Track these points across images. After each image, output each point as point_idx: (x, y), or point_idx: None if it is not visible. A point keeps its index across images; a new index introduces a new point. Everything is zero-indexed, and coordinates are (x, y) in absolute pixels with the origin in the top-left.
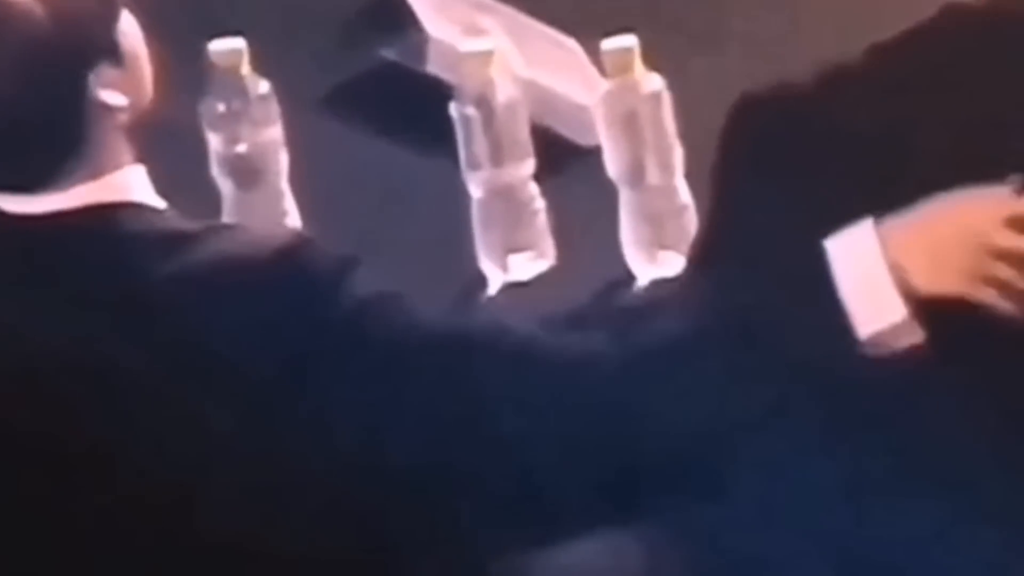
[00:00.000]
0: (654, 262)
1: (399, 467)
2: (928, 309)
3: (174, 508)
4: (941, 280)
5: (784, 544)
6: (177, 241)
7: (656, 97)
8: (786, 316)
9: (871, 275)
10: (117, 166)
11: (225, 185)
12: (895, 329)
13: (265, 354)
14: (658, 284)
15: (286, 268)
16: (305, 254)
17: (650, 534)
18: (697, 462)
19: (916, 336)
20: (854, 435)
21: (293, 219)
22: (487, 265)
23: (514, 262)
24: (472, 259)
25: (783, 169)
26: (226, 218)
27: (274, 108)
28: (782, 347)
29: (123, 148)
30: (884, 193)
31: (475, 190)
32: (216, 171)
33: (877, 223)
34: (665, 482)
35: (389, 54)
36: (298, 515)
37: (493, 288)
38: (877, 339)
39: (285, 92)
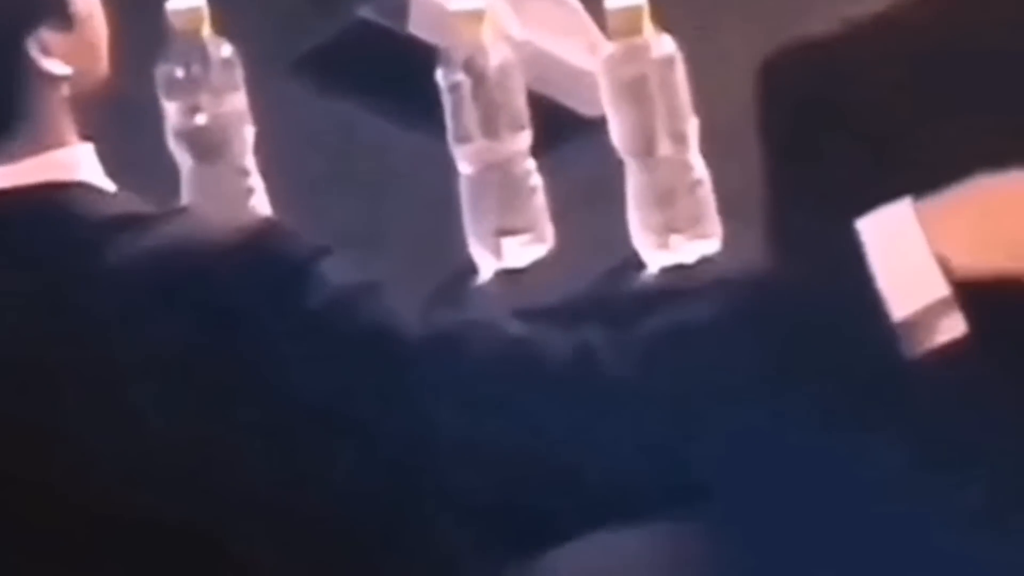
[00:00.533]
0: (665, 247)
1: (371, 471)
2: (971, 297)
3: (113, 502)
4: (986, 258)
5: (818, 544)
6: (128, 225)
7: (668, 61)
8: (817, 304)
9: (909, 255)
10: (62, 143)
11: (183, 159)
12: (936, 311)
13: (224, 353)
14: (669, 272)
15: (250, 256)
16: (272, 241)
17: (664, 537)
18: (713, 465)
19: (958, 325)
20: (894, 432)
21: (258, 198)
22: (477, 250)
23: (508, 246)
24: (461, 243)
25: (814, 142)
26: (185, 196)
27: (238, 74)
28: (812, 342)
29: (69, 123)
30: (918, 171)
31: (464, 166)
32: (173, 144)
33: (915, 203)
34: (673, 491)
35: (367, 13)
36: (256, 514)
37: (484, 275)
38: (916, 325)
39: (250, 57)
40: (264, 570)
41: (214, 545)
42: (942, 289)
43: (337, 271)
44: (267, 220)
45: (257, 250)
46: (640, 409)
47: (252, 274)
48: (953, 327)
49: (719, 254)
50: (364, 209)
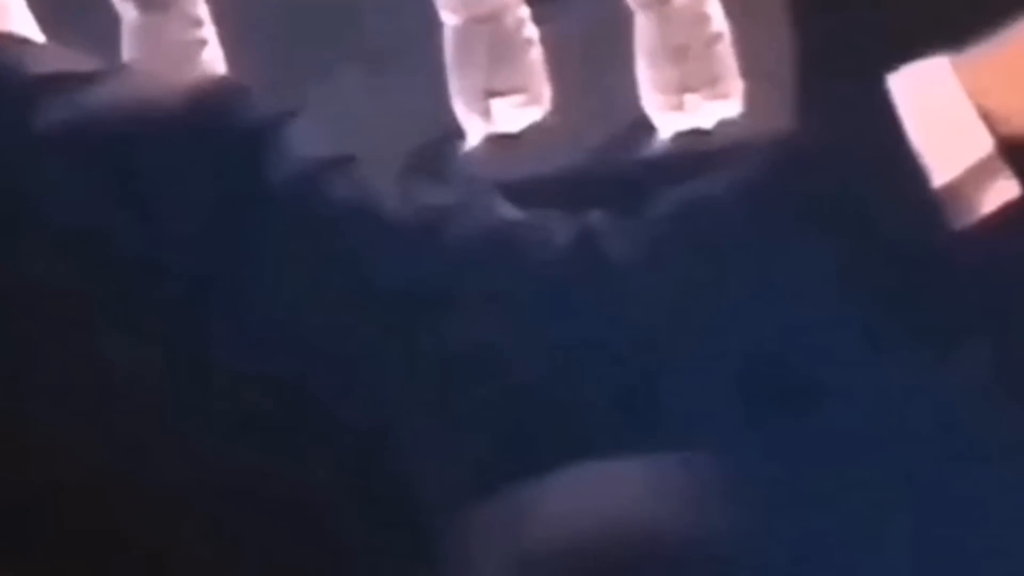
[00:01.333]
0: (679, 108)
1: (339, 368)
2: (1020, 159)
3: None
4: None
5: (844, 450)
6: (61, 84)
7: None
8: (849, 172)
9: (948, 112)
10: None
11: (124, 8)
12: (984, 172)
13: (169, 233)
14: (684, 137)
15: (201, 121)
16: (227, 102)
17: (666, 467)
18: (731, 363)
19: (1010, 188)
20: (936, 313)
21: (212, 53)
22: (464, 112)
23: (498, 108)
24: (445, 105)
25: None
26: (127, 51)
27: None
28: (844, 215)
29: None
30: (955, 20)
31: (448, 15)
32: None
33: (953, 56)
34: (693, 398)
35: None
36: (206, 423)
37: (471, 141)
38: (961, 190)
39: None
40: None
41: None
42: (988, 147)
43: (303, 141)
44: (221, 79)
45: (209, 113)
46: (650, 302)
47: (203, 141)
48: (1004, 190)
49: (740, 116)
50: (334, 66)
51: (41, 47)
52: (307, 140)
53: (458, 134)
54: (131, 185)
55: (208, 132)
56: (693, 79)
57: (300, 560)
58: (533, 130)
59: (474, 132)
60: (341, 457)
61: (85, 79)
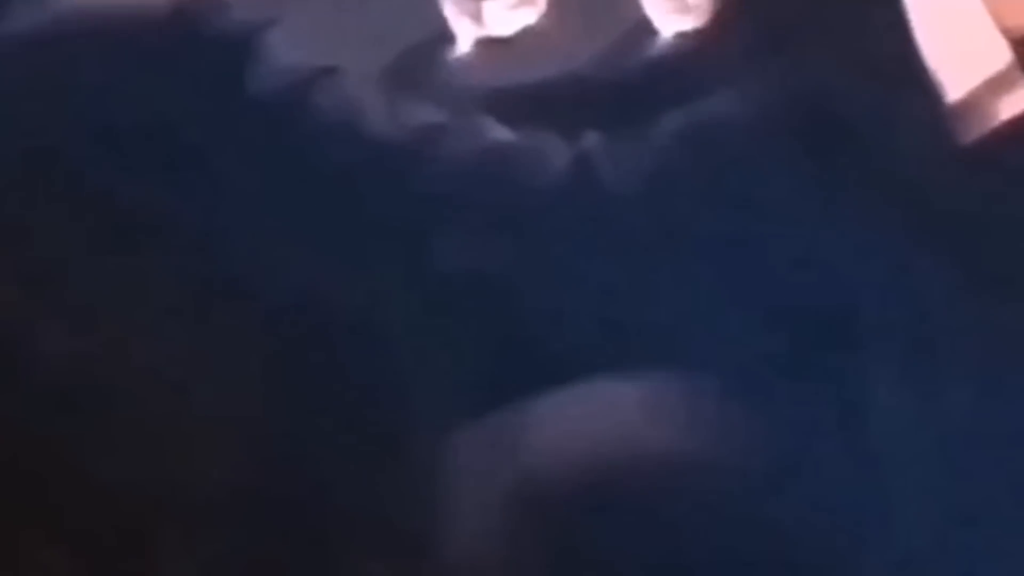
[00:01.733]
0: (682, 10)
1: (323, 300)
2: None
3: None
4: None
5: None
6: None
7: None
8: (860, 92)
9: (962, 20)
10: None
11: None
12: (999, 83)
13: (143, 150)
14: (687, 37)
15: (175, 27)
16: (206, 12)
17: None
18: (739, 304)
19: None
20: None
21: None
22: (453, 14)
23: (490, 10)
24: (434, 7)
25: None
26: None
27: None
28: (858, 137)
29: None
30: None
31: None
32: None
33: None
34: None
35: None
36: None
37: (462, 46)
38: (976, 104)
39: None
40: None
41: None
42: (1004, 55)
43: (285, 49)
44: None
45: (185, 22)
46: (651, 237)
47: (179, 51)
48: (1019, 98)
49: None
50: None
51: None
52: (288, 49)
53: (447, 38)
54: (98, 99)
55: (181, 39)
56: None
57: (294, 489)
58: (527, 33)
59: (464, 36)
60: (334, 381)
61: None
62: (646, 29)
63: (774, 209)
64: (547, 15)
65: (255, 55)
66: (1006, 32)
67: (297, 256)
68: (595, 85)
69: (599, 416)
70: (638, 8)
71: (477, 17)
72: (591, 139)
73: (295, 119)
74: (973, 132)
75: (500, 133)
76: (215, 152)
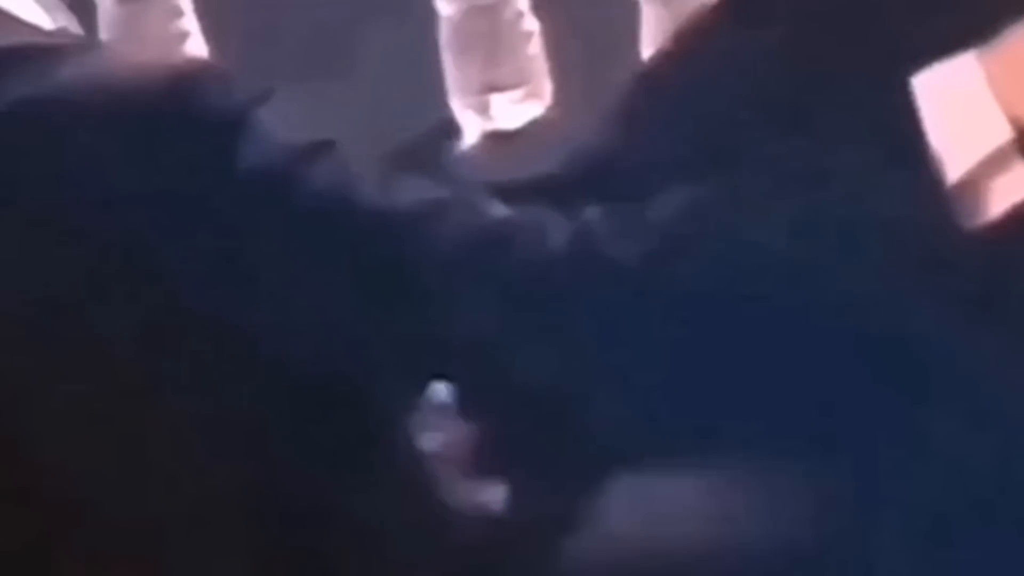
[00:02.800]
0: None
1: (304, 371)
2: None
3: None
4: None
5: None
6: (31, 57)
7: None
8: (862, 173)
9: (970, 106)
10: None
11: None
12: (998, 160)
13: (138, 219)
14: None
15: (176, 102)
16: (204, 83)
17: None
18: (737, 373)
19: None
20: (950, 312)
21: (195, 45)
22: (460, 107)
23: (497, 104)
24: (440, 99)
25: None
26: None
27: None
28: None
29: None
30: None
31: (445, 5)
32: None
33: (979, 54)
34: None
35: None
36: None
37: (469, 139)
38: (976, 182)
39: None
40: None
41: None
42: (1004, 132)
43: (283, 125)
44: (199, 61)
45: (185, 94)
46: (651, 306)
47: (178, 122)
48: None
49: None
50: (320, 55)
51: (10, 18)
52: (286, 126)
53: (453, 130)
54: (100, 167)
55: (183, 112)
56: None
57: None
58: (532, 126)
59: (471, 129)
60: (336, 445)
61: (56, 54)
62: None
63: (772, 284)
64: (553, 107)
65: (253, 130)
66: (1014, 121)
67: (286, 320)
68: (597, 165)
69: (651, 513)
70: None
71: (484, 110)
72: (591, 213)
73: (290, 191)
74: (973, 214)
75: (499, 209)
76: (202, 226)
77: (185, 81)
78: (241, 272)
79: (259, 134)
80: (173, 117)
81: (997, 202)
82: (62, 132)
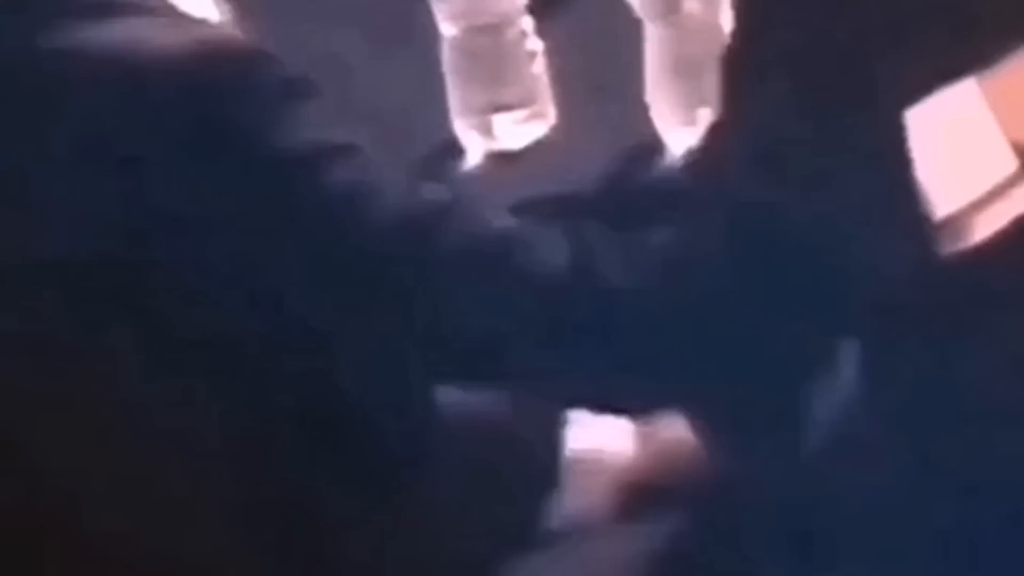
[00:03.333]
0: (691, 123)
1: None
2: None
3: None
4: None
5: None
6: (76, 10)
7: None
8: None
9: (972, 133)
10: None
11: None
12: (1001, 187)
13: (161, 185)
14: (692, 154)
15: (221, 75)
16: (249, 61)
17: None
18: (724, 395)
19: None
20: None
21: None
22: (463, 127)
23: (500, 124)
24: (443, 119)
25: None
26: None
27: None
28: (842, 254)
29: None
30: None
31: (447, 26)
32: None
33: (980, 80)
34: None
35: None
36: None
37: (472, 159)
38: (971, 209)
39: None
40: None
41: None
42: (1011, 163)
43: (316, 121)
44: (246, 42)
45: (231, 68)
46: (642, 326)
47: (216, 96)
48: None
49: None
50: (323, 73)
51: None
52: (319, 121)
53: (457, 151)
54: (144, 134)
55: (223, 86)
56: (706, 93)
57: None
58: (536, 147)
59: (475, 149)
60: (323, 439)
61: (102, 8)
62: (655, 145)
63: (760, 314)
64: (557, 128)
65: (287, 117)
66: (1017, 146)
67: (307, 316)
68: (600, 194)
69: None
70: (648, 122)
71: (487, 130)
72: (591, 230)
73: (306, 187)
74: (958, 240)
75: (501, 221)
76: (227, 205)
77: (226, 58)
78: (237, 266)
79: (291, 124)
80: (210, 90)
81: (984, 228)
82: (99, 85)
